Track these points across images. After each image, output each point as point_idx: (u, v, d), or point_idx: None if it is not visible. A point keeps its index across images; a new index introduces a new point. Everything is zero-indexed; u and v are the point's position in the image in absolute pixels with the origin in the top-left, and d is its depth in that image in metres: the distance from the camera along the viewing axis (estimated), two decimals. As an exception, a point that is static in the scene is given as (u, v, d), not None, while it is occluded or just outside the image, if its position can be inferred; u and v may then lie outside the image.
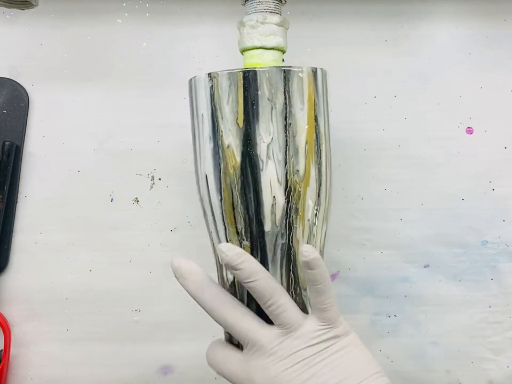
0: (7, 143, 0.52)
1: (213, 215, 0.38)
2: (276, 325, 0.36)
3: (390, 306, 0.55)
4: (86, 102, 0.54)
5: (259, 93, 0.36)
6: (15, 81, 0.54)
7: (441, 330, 0.55)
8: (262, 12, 0.40)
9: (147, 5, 0.54)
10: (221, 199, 0.37)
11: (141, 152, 0.54)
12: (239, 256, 0.35)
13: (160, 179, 0.55)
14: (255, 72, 0.36)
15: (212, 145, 0.38)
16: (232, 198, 0.37)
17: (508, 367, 0.55)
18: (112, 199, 0.55)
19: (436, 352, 0.55)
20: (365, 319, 0.55)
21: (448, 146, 0.54)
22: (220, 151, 0.37)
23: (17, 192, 0.54)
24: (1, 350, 0.53)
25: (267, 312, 0.36)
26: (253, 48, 0.40)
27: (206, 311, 0.37)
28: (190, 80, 0.40)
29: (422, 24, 0.55)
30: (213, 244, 0.40)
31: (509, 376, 0.55)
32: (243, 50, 0.41)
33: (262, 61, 0.40)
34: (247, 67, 0.39)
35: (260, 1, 0.40)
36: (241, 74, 0.36)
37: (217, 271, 0.40)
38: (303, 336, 0.35)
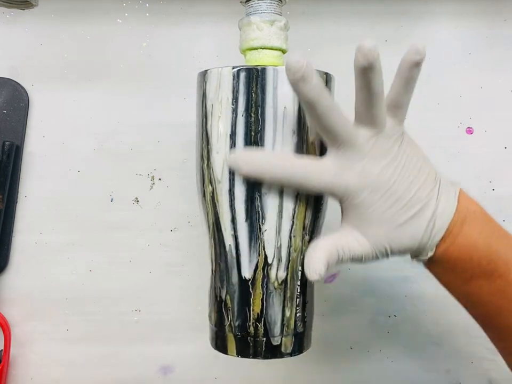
0: (7, 143, 0.52)
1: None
2: (367, 128, 0.34)
3: (390, 306, 0.55)
4: (86, 102, 0.54)
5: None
6: (15, 81, 0.54)
7: (441, 330, 0.55)
8: (262, 12, 0.40)
9: (147, 5, 0.54)
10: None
11: (141, 152, 0.54)
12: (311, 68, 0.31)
13: (160, 179, 0.55)
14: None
15: (295, 139, 0.37)
16: None
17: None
18: (112, 199, 0.55)
19: (436, 352, 0.55)
20: (365, 319, 0.55)
21: (448, 146, 0.54)
22: (305, 145, 0.38)
23: (17, 192, 0.54)
24: (1, 350, 0.53)
25: (367, 115, 0.34)
26: (253, 48, 0.40)
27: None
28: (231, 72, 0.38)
29: (422, 24, 0.55)
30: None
31: (509, 376, 0.55)
32: (244, 51, 0.41)
33: (262, 61, 0.40)
34: None
35: (260, 2, 0.40)
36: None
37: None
38: (388, 134, 0.35)
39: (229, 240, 0.38)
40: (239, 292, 0.38)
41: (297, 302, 0.39)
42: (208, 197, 0.39)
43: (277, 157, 0.36)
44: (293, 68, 0.31)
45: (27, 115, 0.54)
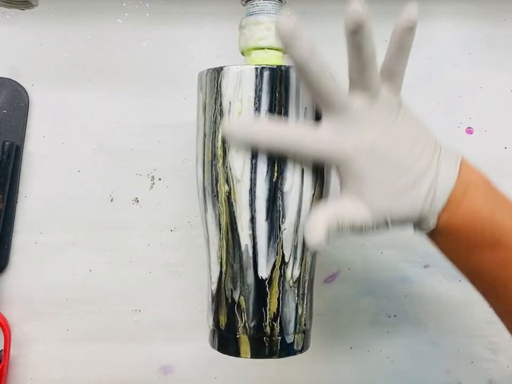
0: (7, 143, 0.52)
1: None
2: (363, 93, 0.34)
3: (390, 306, 0.55)
4: (86, 102, 0.54)
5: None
6: (15, 81, 0.54)
7: (441, 330, 0.55)
8: (268, 12, 0.40)
9: (147, 5, 0.54)
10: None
11: (141, 152, 0.54)
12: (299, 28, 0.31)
13: (160, 179, 0.55)
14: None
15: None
16: None
17: (508, 367, 0.55)
18: (112, 199, 0.55)
19: (436, 352, 0.55)
20: (365, 319, 0.55)
21: (448, 146, 0.54)
22: None
23: (17, 192, 0.54)
24: (1, 350, 0.53)
25: (361, 80, 0.34)
26: (260, 48, 0.40)
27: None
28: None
29: (422, 24, 0.54)
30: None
31: (509, 376, 0.55)
32: (248, 50, 0.41)
33: (269, 61, 0.40)
34: None
35: (257, 2, 0.40)
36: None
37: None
38: (385, 102, 0.35)
39: (245, 240, 0.38)
40: (254, 292, 0.38)
41: (306, 299, 0.40)
42: (222, 197, 0.38)
43: (273, 125, 0.36)
44: (284, 24, 0.31)
45: (27, 115, 0.54)
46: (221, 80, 0.37)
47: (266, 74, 0.37)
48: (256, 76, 0.37)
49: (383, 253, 0.55)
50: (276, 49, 0.40)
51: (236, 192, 0.37)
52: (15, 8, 0.46)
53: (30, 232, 0.54)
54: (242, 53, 0.42)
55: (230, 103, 0.37)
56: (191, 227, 0.54)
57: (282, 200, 0.37)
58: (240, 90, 0.37)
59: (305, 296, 0.40)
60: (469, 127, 0.54)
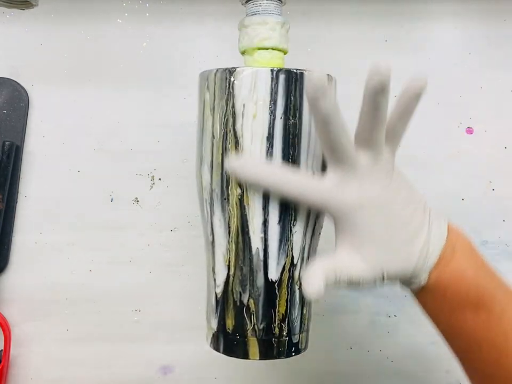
0: (7, 143, 0.52)
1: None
2: (368, 152, 0.35)
3: (390, 306, 0.55)
4: (86, 102, 0.54)
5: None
6: (15, 81, 0.54)
7: (441, 330, 0.55)
8: (271, 12, 0.40)
9: (147, 5, 0.54)
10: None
11: (141, 152, 0.54)
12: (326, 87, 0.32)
13: (160, 179, 0.55)
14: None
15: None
16: None
17: (508, 367, 0.55)
18: (112, 199, 0.55)
19: (436, 352, 0.55)
20: (365, 319, 0.55)
21: (448, 146, 0.54)
22: None
23: (17, 192, 0.54)
24: (1, 350, 0.53)
25: (368, 139, 0.35)
26: (258, 49, 0.40)
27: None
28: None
29: (422, 24, 0.55)
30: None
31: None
32: (246, 50, 0.40)
33: (272, 62, 0.40)
34: None
35: (260, 2, 0.40)
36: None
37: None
38: (386, 162, 0.36)
39: (256, 243, 0.37)
40: (264, 294, 0.38)
41: (308, 300, 0.40)
42: (233, 200, 0.37)
43: (278, 170, 0.36)
44: (316, 83, 0.32)
45: (27, 115, 0.54)
46: (233, 81, 0.37)
47: (282, 77, 0.37)
48: (272, 78, 0.36)
49: (383, 253, 0.54)
50: (279, 50, 0.40)
51: (248, 196, 0.37)
52: (15, 8, 0.46)
53: (30, 232, 0.54)
54: (243, 52, 0.41)
55: (243, 105, 0.37)
56: (191, 227, 0.54)
57: (294, 203, 0.37)
58: (255, 92, 0.36)
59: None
60: (469, 127, 0.54)
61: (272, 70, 0.37)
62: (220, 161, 0.37)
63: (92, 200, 0.54)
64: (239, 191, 0.37)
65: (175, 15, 0.54)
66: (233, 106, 0.37)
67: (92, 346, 0.55)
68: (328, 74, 0.39)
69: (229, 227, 0.38)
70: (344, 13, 0.54)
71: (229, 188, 0.37)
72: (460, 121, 0.54)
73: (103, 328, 0.55)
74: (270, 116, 0.36)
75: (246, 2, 0.41)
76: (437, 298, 0.37)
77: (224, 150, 0.37)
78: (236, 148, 0.37)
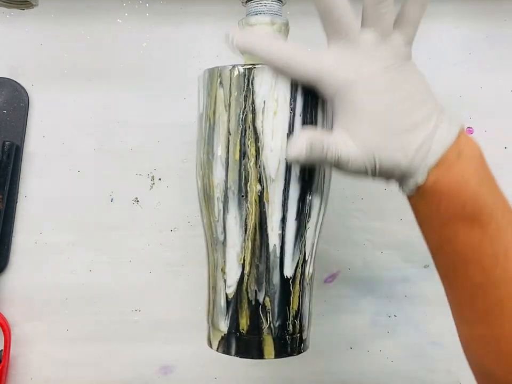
0: (7, 143, 0.52)
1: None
2: (374, 30, 0.34)
3: (390, 306, 0.55)
4: (86, 102, 0.54)
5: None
6: (15, 81, 0.54)
7: (441, 330, 0.55)
8: (268, 12, 0.40)
9: (147, 5, 0.54)
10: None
11: (141, 152, 0.54)
12: None
13: (160, 179, 0.55)
14: None
15: None
16: None
17: (507, 367, 0.55)
18: (112, 199, 0.55)
19: (436, 352, 0.55)
20: (365, 319, 0.55)
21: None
22: None
23: (17, 192, 0.54)
24: (1, 350, 0.53)
25: (374, 15, 0.34)
26: None
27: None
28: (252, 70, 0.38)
29: (422, 24, 0.54)
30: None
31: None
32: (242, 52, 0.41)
33: (258, 61, 0.40)
34: None
35: (260, 2, 0.40)
36: None
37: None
38: (395, 46, 0.34)
39: (274, 240, 0.37)
40: (279, 291, 0.38)
41: (312, 296, 0.41)
42: (253, 197, 0.37)
43: (279, 41, 0.36)
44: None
45: (27, 115, 0.54)
46: (253, 77, 0.37)
47: None
48: None
49: (383, 253, 0.55)
50: None
51: (268, 192, 0.37)
52: (15, 8, 0.46)
53: (30, 232, 0.54)
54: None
55: (264, 102, 0.37)
56: (191, 227, 0.54)
57: (310, 199, 0.38)
58: (276, 89, 0.37)
59: (311, 292, 0.41)
60: (469, 127, 0.54)
61: None
62: (238, 158, 0.37)
63: (91, 200, 0.54)
64: (259, 187, 0.37)
65: (175, 15, 0.54)
66: (252, 103, 0.37)
67: (92, 346, 0.55)
68: None
69: (246, 225, 0.37)
70: (344, 13, 0.54)
71: (248, 184, 0.37)
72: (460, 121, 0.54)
73: (103, 328, 0.55)
74: (290, 113, 0.37)
75: (249, 0, 0.41)
76: (431, 205, 0.34)
77: (243, 147, 0.37)
78: (256, 145, 0.37)
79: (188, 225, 0.55)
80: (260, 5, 0.40)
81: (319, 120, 0.37)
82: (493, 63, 0.54)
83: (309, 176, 0.37)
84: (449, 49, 0.54)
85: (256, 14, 0.40)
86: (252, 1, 0.40)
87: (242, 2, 0.41)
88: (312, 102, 0.37)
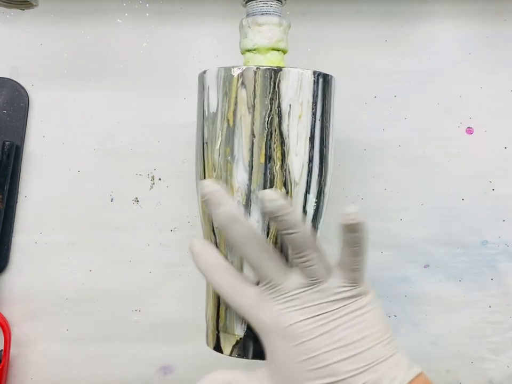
0: (7, 143, 0.52)
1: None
2: (301, 276, 0.34)
3: (390, 306, 0.55)
4: (86, 102, 0.54)
5: None
6: (15, 81, 0.54)
7: (441, 330, 0.55)
8: (262, 13, 0.40)
9: (147, 5, 0.54)
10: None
11: (141, 152, 0.54)
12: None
13: (160, 179, 0.55)
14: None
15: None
16: None
17: (508, 367, 0.55)
18: (112, 199, 0.55)
19: (436, 352, 0.55)
20: (365, 319, 0.55)
21: (448, 146, 0.54)
22: None
23: (17, 192, 0.54)
24: (1, 350, 0.53)
25: (297, 262, 0.34)
26: (272, 49, 0.40)
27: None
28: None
29: (422, 24, 0.55)
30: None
31: (509, 376, 0.55)
32: (266, 49, 0.40)
33: (278, 62, 0.40)
34: None
35: (260, 2, 0.40)
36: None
37: None
38: (326, 291, 0.34)
39: None
40: None
41: None
42: None
43: (220, 270, 0.37)
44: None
45: (27, 115, 0.54)
46: (279, 80, 0.37)
47: (321, 80, 0.38)
48: (314, 81, 0.37)
49: (383, 253, 0.54)
50: (285, 52, 0.41)
51: (292, 196, 0.37)
52: (15, 8, 0.46)
53: (30, 232, 0.54)
54: (251, 50, 0.41)
55: (290, 105, 0.37)
56: (191, 227, 0.54)
57: (323, 201, 0.39)
58: (301, 93, 0.37)
59: None
60: (469, 127, 0.54)
61: (314, 72, 0.38)
62: (263, 161, 0.37)
63: (91, 200, 0.54)
64: (284, 191, 0.37)
65: (175, 15, 0.54)
66: (278, 106, 0.37)
67: (92, 346, 0.55)
68: (327, 75, 0.39)
69: (268, 228, 0.37)
70: (344, 13, 0.54)
71: (273, 188, 0.37)
72: (460, 121, 0.54)
73: (103, 328, 0.55)
74: (312, 117, 0.37)
75: (246, 2, 0.41)
76: None
77: (268, 150, 0.37)
78: (282, 148, 0.37)
79: (188, 225, 0.55)
80: (266, 5, 0.40)
81: (331, 125, 0.39)
82: (493, 63, 0.54)
83: (323, 179, 0.39)
84: (449, 49, 0.54)
85: (263, 14, 0.40)
86: (256, 0, 0.40)
87: (242, 3, 0.41)
88: (328, 107, 0.38)
